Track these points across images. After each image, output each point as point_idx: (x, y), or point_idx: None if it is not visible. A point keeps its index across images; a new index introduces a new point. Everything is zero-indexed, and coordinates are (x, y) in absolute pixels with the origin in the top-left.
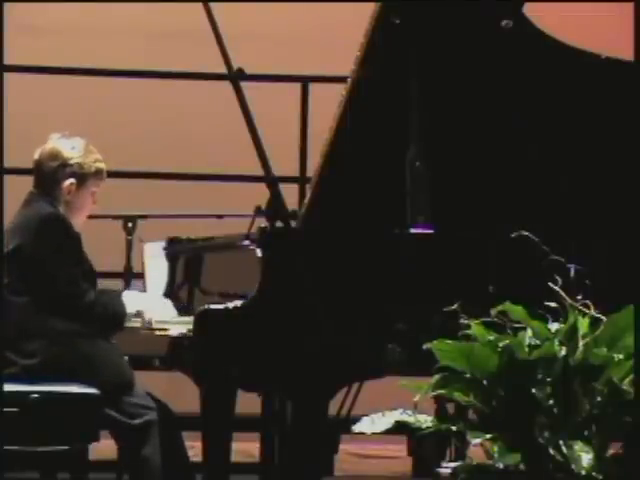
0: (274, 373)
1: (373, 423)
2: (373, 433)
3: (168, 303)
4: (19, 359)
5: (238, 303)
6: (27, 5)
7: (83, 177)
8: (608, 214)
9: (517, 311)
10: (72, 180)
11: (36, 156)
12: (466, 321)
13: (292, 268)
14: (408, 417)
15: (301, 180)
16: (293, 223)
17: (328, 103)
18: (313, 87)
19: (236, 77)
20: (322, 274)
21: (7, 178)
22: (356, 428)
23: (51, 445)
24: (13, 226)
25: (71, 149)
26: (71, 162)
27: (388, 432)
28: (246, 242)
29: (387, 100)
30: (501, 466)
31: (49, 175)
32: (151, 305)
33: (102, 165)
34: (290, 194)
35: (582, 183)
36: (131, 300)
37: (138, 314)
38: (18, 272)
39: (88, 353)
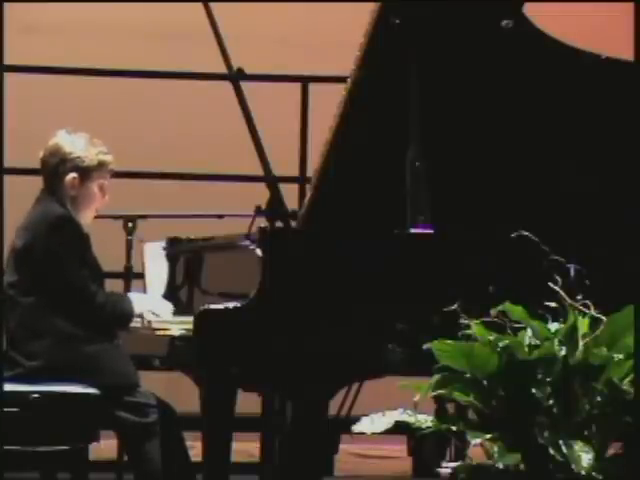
0: (274, 373)
1: (373, 423)
2: (373, 433)
3: (168, 304)
4: (24, 360)
5: (238, 303)
6: (27, 5)
7: (86, 171)
8: (608, 214)
9: (517, 311)
10: (74, 175)
11: (40, 154)
12: (466, 321)
13: (292, 268)
14: (408, 417)
15: (301, 180)
16: (293, 223)
17: (328, 103)
18: (313, 87)
19: (236, 77)
20: (322, 274)
21: (7, 178)
22: (356, 428)
23: (51, 445)
24: (24, 224)
25: (72, 144)
26: (72, 157)
27: (388, 432)
28: (246, 242)
29: (387, 100)
30: (501, 466)
31: (52, 171)
32: (152, 306)
33: (106, 157)
34: (290, 194)
35: (582, 183)
36: (135, 301)
37: (140, 315)
38: (27, 272)
39: (93, 355)
